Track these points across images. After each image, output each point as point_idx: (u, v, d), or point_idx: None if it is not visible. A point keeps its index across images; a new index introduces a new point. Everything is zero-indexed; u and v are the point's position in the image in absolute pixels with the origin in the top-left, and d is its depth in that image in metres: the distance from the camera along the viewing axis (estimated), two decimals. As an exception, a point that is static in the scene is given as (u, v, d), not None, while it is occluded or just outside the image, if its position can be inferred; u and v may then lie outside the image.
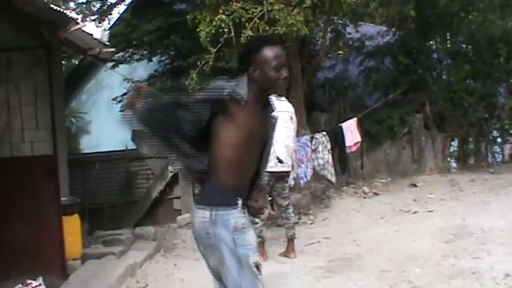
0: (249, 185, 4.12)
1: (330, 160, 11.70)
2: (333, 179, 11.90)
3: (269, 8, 11.21)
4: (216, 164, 3.96)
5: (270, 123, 4.20)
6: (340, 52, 16.48)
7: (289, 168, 8.83)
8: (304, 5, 11.34)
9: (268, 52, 4.01)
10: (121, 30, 15.52)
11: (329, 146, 11.65)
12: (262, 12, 11.25)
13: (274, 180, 8.65)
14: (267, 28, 11.17)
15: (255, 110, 4.01)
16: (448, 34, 17.70)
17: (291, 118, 8.78)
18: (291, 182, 10.96)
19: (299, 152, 11.09)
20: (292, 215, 9.11)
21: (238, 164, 3.97)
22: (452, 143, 17.16)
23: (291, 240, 8.98)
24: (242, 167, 4.01)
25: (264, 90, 4.05)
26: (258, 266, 3.97)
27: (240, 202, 3.94)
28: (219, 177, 3.97)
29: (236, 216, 3.92)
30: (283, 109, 8.53)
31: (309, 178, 11.51)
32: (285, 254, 8.90)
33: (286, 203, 8.97)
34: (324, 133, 11.79)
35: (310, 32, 12.07)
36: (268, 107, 4.17)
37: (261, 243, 8.85)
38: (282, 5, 11.21)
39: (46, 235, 8.00)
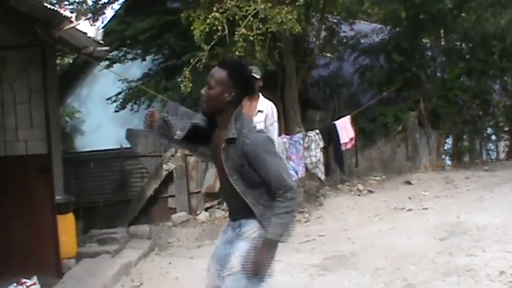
0: (234, 200, 4.36)
1: (321, 158, 11.70)
2: (322, 177, 11.89)
3: (258, 7, 11.19)
4: None
5: (221, 146, 4.28)
6: (329, 55, 16.46)
7: None
8: (297, 3, 11.35)
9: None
10: (114, 27, 15.49)
11: (321, 144, 11.65)
12: (255, 10, 11.23)
13: None
14: (261, 26, 11.16)
15: (216, 131, 4.40)
16: (442, 32, 17.71)
17: (266, 117, 8.76)
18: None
19: (289, 149, 11.09)
20: None
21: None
22: (447, 141, 17.18)
23: None
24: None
25: None
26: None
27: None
28: None
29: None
30: (261, 108, 8.63)
31: (300, 176, 11.48)
32: None
33: None
34: (317, 131, 11.78)
35: (303, 30, 12.06)
36: (224, 129, 4.30)
37: None
38: (270, 4, 11.20)
39: (41, 234, 7.99)
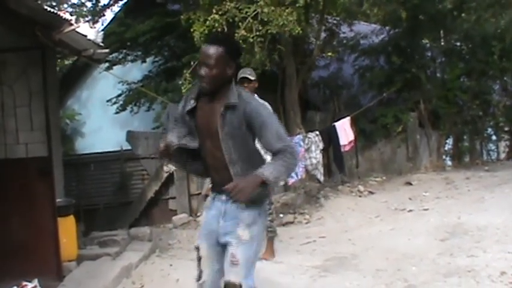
0: (226, 170, 4.40)
1: (321, 160, 11.71)
2: (321, 179, 11.90)
3: (259, 10, 11.19)
4: None
5: (218, 113, 4.36)
6: (330, 54, 16.44)
7: None
8: (297, 5, 11.34)
9: (201, 50, 4.44)
10: (114, 29, 15.50)
11: (321, 146, 11.65)
12: (255, 12, 11.23)
13: None
14: (260, 28, 11.16)
15: (203, 105, 4.45)
16: (441, 32, 17.72)
17: None
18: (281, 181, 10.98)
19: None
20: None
21: (203, 158, 4.53)
22: (447, 141, 17.20)
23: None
24: (205, 158, 4.53)
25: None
26: (197, 248, 4.72)
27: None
28: None
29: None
30: None
31: (299, 177, 11.48)
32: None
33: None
34: (317, 133, 11.78)
35: (303, 31, 12.05)
36: (222, 98, 4.39)
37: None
38: (272, 7, 11.20)
39: (41, 236, 7.98)
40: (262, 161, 4.52)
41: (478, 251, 7.75)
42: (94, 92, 18.39)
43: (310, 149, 11.46)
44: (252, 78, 8.52)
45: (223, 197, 4.47)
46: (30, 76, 8.12)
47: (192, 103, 4.45)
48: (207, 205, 4.65)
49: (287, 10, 11.17)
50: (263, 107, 4.46)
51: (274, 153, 4.28)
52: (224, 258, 4.51)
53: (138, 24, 15.29)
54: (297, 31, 11.30)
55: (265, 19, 11.14)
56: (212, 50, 4.31)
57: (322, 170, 11.70)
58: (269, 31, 11.19)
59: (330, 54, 16.38)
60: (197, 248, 4.70)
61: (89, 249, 9.45)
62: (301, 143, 11.36)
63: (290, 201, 12.45)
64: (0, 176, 7.89)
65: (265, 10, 11.10)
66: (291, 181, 11.50)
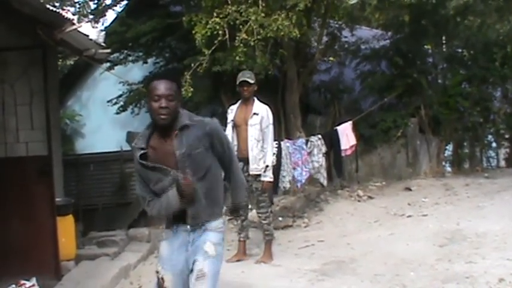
0: (196, 202, 4.48)
1: (324, 164, 11.70)
2: (325, 183, 11.90)
3: (252, 17, 11.17)
4: None
5: (180, 140, 4.48)
6: (331, 59, 16.44)
7: (258, 172, 8.65)
8: (297, 8, 11.32)
9: (152, 84, 4.52)
10: (115, 29, 15.46)
11: (324, 150, 11.65)
12: (251, 17, 11.22)
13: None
14: (261, 31, 11.15)
15: (155, 144, 4.56)
16: (443, 38, 17.70)
17: (262, 120, 8.67)
18: (287, 185, 10.98)
19: (294, 155, 11.09)
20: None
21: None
22: (447, 147, 17.16)
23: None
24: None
25: (155, 122, 4.53)
26: (157, 272, 4.63)
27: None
28: None
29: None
30: (256, 111, 8.60)
31: (304, 181, 11.50)
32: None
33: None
34: (319, 136, 11.77)
35: (302, 35, 12.03)
36: (171, 131, 4.52)
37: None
38: (262, 14, 11.17)
39: (40, 236, 7.99)
40: (219, 178, 4.72)
41: (477, 258, 7.74)
42: (95, 92, 18.34)
43: (312, 153, 11.45)
44: (252, 81, 8.54)
45: (188, 227, 4.55)
46: (31, 75, 8.14)
47: (141, 146, 4.56)
48: (168, 237, 4.68)
49: (282, 15, 11.15)
50: (219, 125, 4.76)
51: (228, 167, 4.75)
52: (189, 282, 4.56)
53: (139, 24, 15.25)
54: (294, 34, 11.28)
55: (255, 26, 11.13)
56: (168, 84, 4.48)
57: (325, 174, 11.69)
58: (268, 35, 11.18)
59: (331, 59, 16.40)
60: (160, 277, 4.65)
61: (88, 249, 9.47)
62: (304, 147, 11.36)
63: (289, 204, 12.43)
64: (0, 174, 7.90)
65: (253, 18, 11.09)
66: (298, 185, 11.54)
